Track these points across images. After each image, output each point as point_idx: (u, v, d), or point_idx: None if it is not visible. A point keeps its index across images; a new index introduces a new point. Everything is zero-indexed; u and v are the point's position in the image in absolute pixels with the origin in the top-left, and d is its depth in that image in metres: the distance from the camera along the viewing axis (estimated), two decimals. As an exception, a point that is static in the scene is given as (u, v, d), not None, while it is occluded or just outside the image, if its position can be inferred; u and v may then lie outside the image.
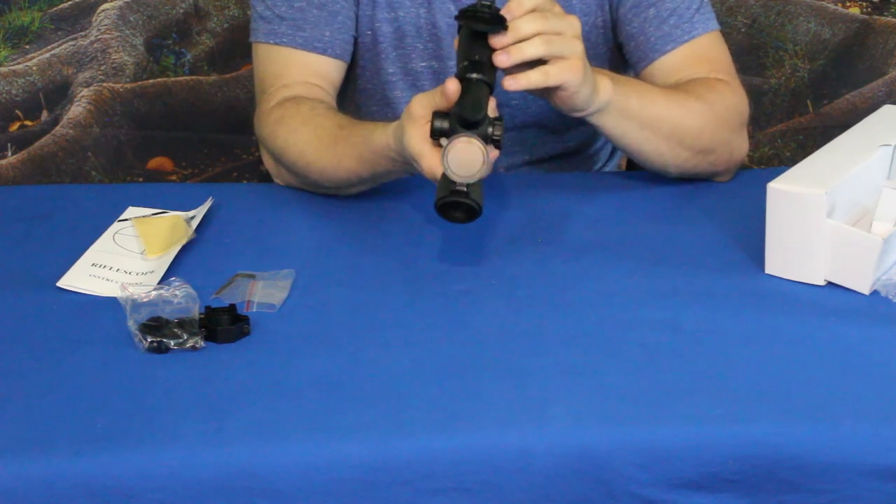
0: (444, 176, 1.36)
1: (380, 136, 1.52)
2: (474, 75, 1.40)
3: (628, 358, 1.30)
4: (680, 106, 1.63)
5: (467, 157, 1.35)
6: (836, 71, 2.67)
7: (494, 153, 1.38)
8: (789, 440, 1.18)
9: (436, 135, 1.38)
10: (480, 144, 1.35)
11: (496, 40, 1.43)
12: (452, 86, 1.38)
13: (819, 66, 2.66)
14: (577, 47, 1.48)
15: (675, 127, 1.62)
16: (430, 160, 1.39)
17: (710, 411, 1.21)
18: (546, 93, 1.52)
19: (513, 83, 1.45)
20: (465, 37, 1.45)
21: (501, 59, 1.43)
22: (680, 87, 1.67)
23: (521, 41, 1.44)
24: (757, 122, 2.65)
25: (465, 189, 1.35)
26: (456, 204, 1.36)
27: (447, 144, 1.35)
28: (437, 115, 1.38)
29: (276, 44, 1.71)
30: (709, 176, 1.70)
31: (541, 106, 1.79)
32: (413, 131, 1.41)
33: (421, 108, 1.41)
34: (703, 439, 1.19)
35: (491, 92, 1.41)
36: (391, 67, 1.77)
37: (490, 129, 1.37)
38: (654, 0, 1.71)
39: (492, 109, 1.40)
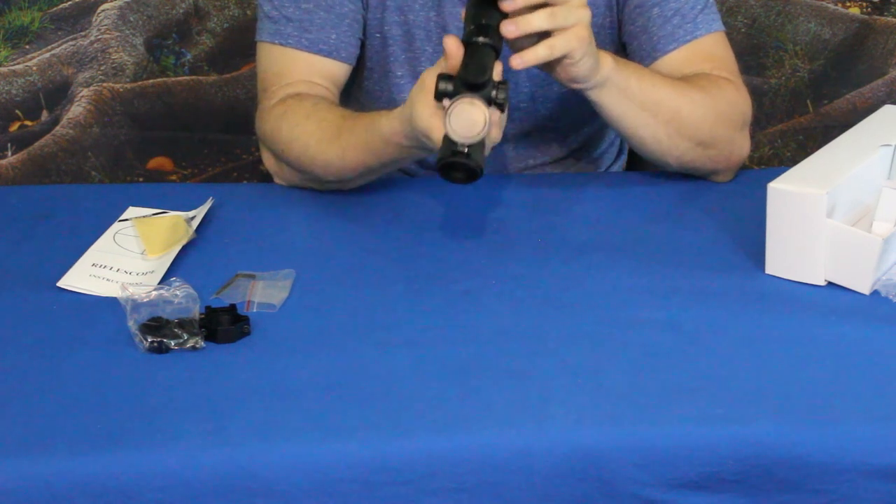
0: (447, 137, 1.36)
1: (385, 121, 1.52)
2: (480, 39, 1.40)
3: (628, 358, 1.30)
4: (681, 95, 1.63)
5: (469, 118, 1.35)
6: (836, 71, 2.67)
7: (497, 115, 1.39)
8: (789, 440, 1.18)
9: (439, 96, 1.38)
10: (483, 105, 1.35)
11: (507, 3, 1.44)
12: (451, 43, 1.39)
13: (819, 66, 2.66)
14: (583, 16, 1.49)
15: (675, 114, 1.62)
16: (440, 133, 1.39)
17: (710, 411, 1.21)
18: (549, 65, 1.53)
19: (520, 61, 1.46)
20: (472, 2, 1.46)
21: (510, 30, 1.44)
22: (683, 79, 1.67)
23: (530, 6, 1.45)
24: (757, 122, 2.65)
25: (465, 150, 1.35)
26: (457, 164, 1.36)
27: (449, 105, 1.36)
28: (442, 77, 1.39)
29: (282, 44, 1.71)
30: (708, 173, 1.70)
31: (549, 108, 1.79)
32: (423, 102, 1.41)
33: (432, 80, 1.41)
34: (703, 439, 1.19)
35: (497, 57, 1.41)
36: (399, 70, 1.77)
37: (494, 93, 1.38)
38: (658, 0, 1.71)
39: (497, 74, 1.40)
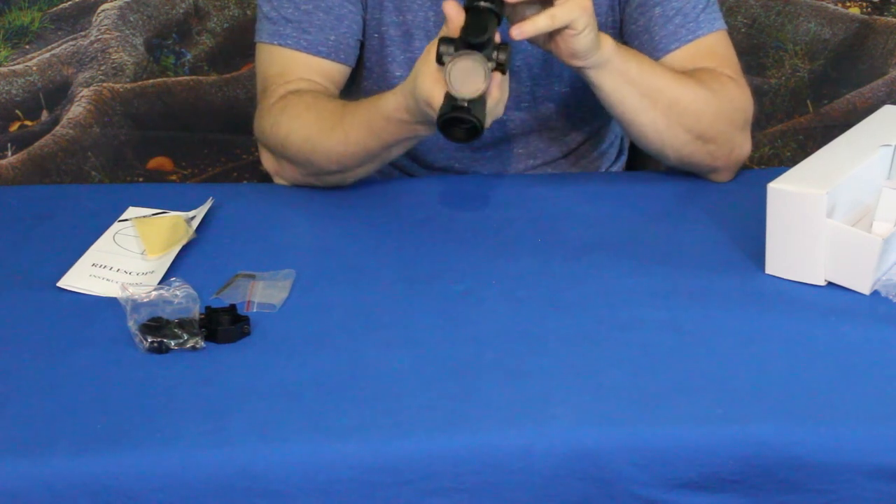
0: (448, 94, 1.37)
1: (388, 99, 1.54)
2: (481, 3, 1.41)
3: (628, 358, 1.30)
4: (682, 85, 1.63)
5: (469, 73, 1.36)
6: (836, 71, 2.67)
7: (499, 76, 1.40)
8: (789, 440, 1.18)
9: (440, 58, 1.39)
10: (482, 60, 1.36)
11: None
12: (451, 8, 1.41)
13: (819, 66, 2.66)
14: None
15: (675, 102, 1.62)
16: (441, 100, 1.40)
17: (710, 411, 1.21)
18: (549, 40, 1.53)
19: (519, 32, 1.47)
20: None
21: None
22: (685, 72, 1.67)
23: None
24: (757, 122, 2.64)
25: (466, 104, 1.35)
26: (457, 120, 1.36)
27: (449, 61, 1.36)
28: (443, 40, 1.40)
29: (281, 45, 1.71)
30: (708, 170, 1.70)
31: (549, 108, 1.79)
32: (425, 71, 1.42)
33: (435, 50, 1.42)
34: (703, 439, 1.19)
35: (499, 22, 1.42)
36: (398, 70, 1.77)
37: (495, 53, 1.39)
38: None
39: (498, 38, 1.41)
